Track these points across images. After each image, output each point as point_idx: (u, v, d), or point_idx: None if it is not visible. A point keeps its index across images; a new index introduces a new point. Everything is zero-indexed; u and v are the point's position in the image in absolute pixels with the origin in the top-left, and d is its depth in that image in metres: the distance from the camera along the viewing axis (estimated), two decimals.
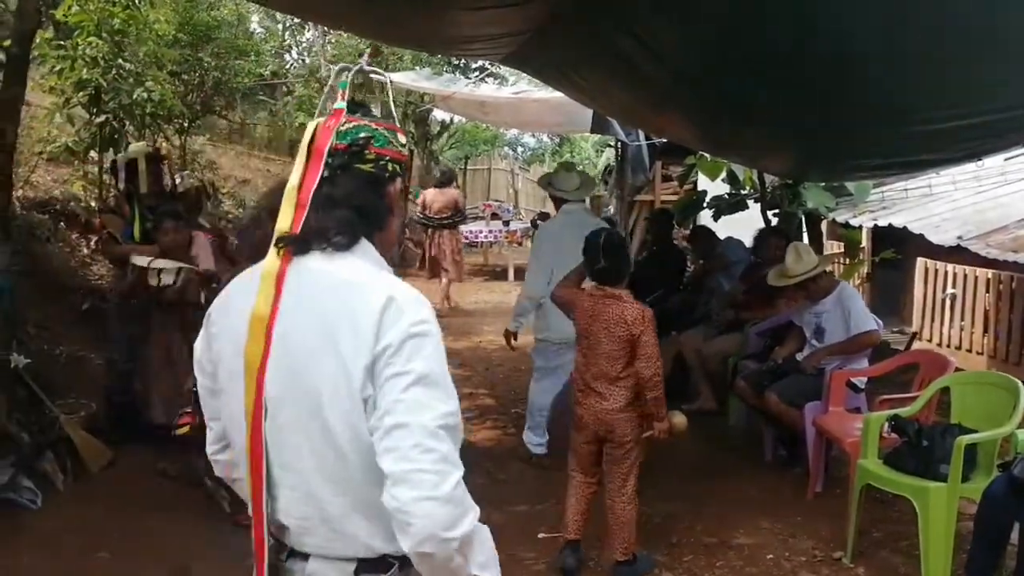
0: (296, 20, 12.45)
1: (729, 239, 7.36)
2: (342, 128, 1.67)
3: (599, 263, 3.98)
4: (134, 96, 6.84)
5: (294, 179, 1.65)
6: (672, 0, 3.65)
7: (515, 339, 5.68)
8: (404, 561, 1.59)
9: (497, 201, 19.72)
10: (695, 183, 13.01)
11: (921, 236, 7.16)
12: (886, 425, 4.25)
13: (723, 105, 5.03)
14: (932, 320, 8.76)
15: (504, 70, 17.56)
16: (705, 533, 4.54)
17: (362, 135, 1.68)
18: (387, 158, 1.71)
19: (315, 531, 1.63)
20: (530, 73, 7.16)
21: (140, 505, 4.71)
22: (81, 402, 5.50)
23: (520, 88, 14.20)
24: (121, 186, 5.53)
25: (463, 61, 15.85)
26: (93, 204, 7.37)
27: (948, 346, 8.33)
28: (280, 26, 13.10)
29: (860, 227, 8.14)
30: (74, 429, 5.18)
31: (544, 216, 16.38)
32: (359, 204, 1.67)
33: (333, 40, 12.75)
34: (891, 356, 5.69)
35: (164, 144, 7.75)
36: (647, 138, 12.01)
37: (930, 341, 8.53)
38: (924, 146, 5.02)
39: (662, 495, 4.83)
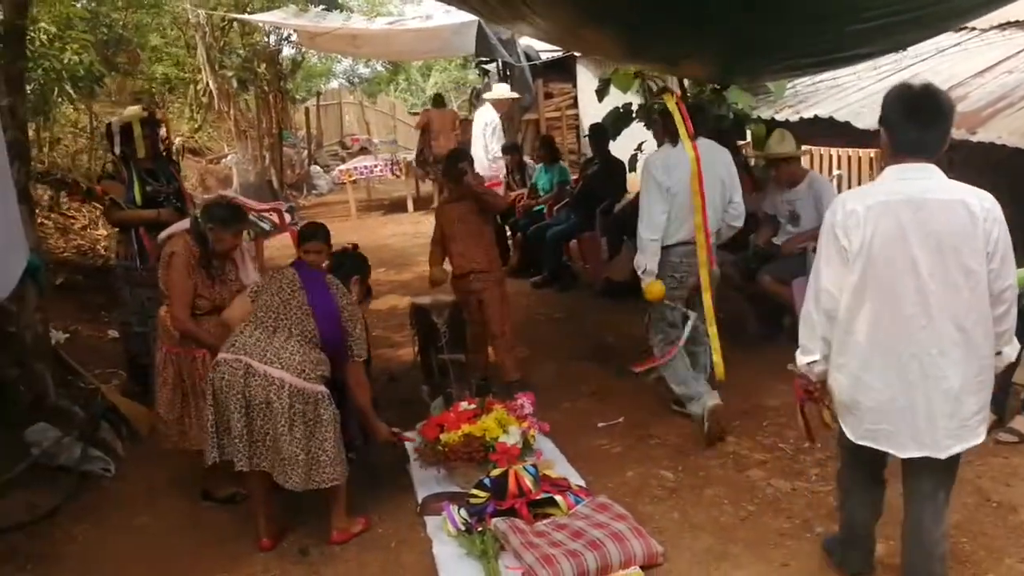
0: None
1: None
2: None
3: None
4: (65, 61, 6.61)
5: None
6: None
7: None
8: None
9: (365, 136, 19.97)
10: (575, 98, 13.56)
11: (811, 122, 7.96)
12: None
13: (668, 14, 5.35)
14: None
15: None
16: (740, 399, 5.13)
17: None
18: None
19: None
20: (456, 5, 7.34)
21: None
22: (109, 371, 5.50)
23: (391, 19, 14.21)
24: (116, 150, 5.44)
25: None
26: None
27: None
28: None
29: (760, 122, 8.87)
30: (117, 397, 5.21)
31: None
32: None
33: None
34: None
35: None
36: (527, 59, 12.39)
37: None
38: (860, 42, 5.66)
39: None
